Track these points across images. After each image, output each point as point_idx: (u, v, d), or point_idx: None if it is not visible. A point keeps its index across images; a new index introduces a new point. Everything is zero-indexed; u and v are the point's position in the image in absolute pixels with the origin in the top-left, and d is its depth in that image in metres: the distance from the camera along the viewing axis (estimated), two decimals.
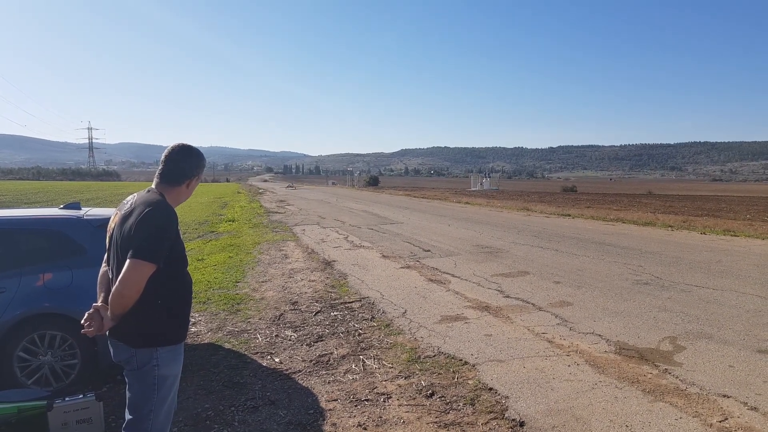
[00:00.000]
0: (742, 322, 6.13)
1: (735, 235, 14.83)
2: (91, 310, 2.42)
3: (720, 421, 3.68)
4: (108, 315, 2.38)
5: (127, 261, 2.30)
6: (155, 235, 2.36)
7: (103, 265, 2.63)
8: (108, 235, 2.59)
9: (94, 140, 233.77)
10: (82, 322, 2.40)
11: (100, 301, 2.52)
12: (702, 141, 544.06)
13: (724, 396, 4.11)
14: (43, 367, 4.32)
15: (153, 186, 2.59)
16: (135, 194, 2.59)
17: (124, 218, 2.46)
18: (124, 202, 2.60)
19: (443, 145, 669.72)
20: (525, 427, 3.66)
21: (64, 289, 4.37)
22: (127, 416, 2.51)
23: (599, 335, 5.67)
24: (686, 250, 11.80)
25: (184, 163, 2.60)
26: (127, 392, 2.52)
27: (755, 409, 3.88)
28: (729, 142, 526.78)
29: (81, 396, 3.52)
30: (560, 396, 4.14)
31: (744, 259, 10.51)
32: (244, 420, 3.79)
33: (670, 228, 17.02)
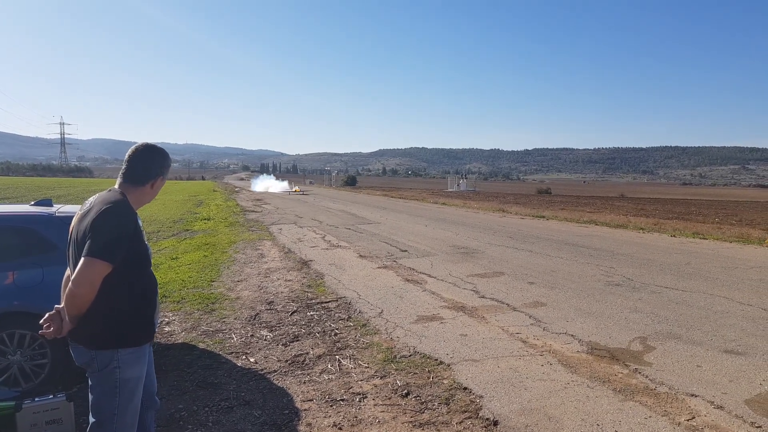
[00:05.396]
0: (710, 322, 6.29)
1: (704, 238, 15.20)
2: (53, 312, 2.37)
3: (688, 420, 3.78)
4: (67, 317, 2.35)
5: (81, 259, 2.26)
6: (110, 234, 2.32)
7: (69, 268, 2.59)
8: (69, 235, 2.55)
9: (66, 135, 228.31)
10: (41, 322, 2.35)
11: (63, 303, 2.48)
12: (673, 145, 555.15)
13: (692, 395, 4.21)
14: (11, 366, 4.23)
15: (116, 186, 2.56)
16: (97, 194, 2.56)
17: (82, 217, 2.43)
18: (86, 201, 2.56)
19: (421, 146, 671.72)
20: (499, 426, 3.71)
21: (35, 288, 4.27)
22: (91, 419, 2.49)
23: (572, 335, 5.76)
24: (657, 252, 12.05)
25: (148, 164, 2.57)
26: (89, 394, 2.49)
27: (721, 407, 3.99)
28: (699, 146, 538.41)
29: (51, 396, 3.45)
30: (533, 395, 4.20)
31: (712, 262, 10.78)
32: (218, 420, 3.77)
33: (641, 230, 17.36)
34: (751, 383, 4.46)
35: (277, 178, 70.38)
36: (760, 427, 3.68)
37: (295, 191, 49.74)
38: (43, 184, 51.70)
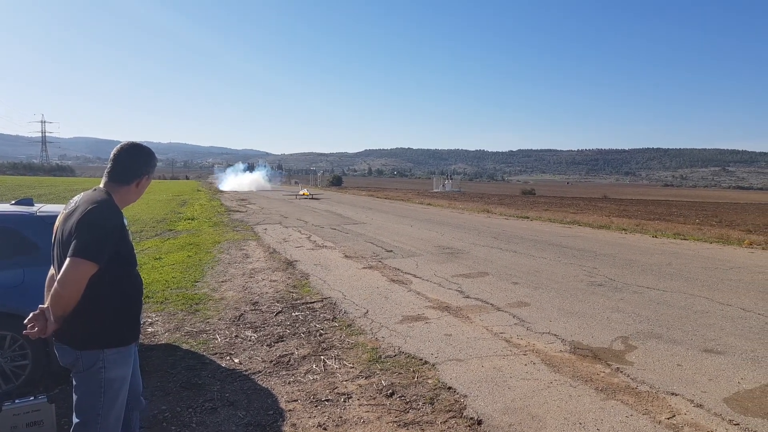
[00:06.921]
0: (690, 322, 6.38)
1: (684, 239, 15.42)
2: (37, 311, 2.36)
3: (668, 418, 3.84)
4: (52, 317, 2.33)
5: (67, 260, 2.25)
6: (96, 233, 2.30)
7: (52, 268, 2.57)
8: (53, 235, 2.53)
9: (47, 134, 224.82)
10: (25, 322, 2.33)
11: (46, 303, 2.46)
12: (655, 147, 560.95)
13: (673, 394, 4.28)
14: None
15: (101, 185, 2.54)
16: (82, 193, 2.54)
17: (67, 217, 2.41)
18: (70, 201, 2.55)
19: (406, 147, 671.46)
20: (483, 426, 3.73)
21: (15, 288, 4.21)
22: (74, 419, 2.46)
23: (555, 335, 5.82)
24: (639, 253, 12.20)
25: (133, 163, 2.56)
26: (73, 394, 2.47)
27: (701, 406, 4.06)
28: (680, 149, 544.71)
29: (32, 398, 3.40)
30: (517, 394, 4.23)
31: (693, 262, 10.94)
32: (202, 421, 3.75)
33: (623, 231, 17.56)
34: (729, 382, 4.54)
35: (251, 170, 59.98)
36: (738, 424, 3.75)
37: (303, 195, 37.91)
38: (23, 183, 50.91)
